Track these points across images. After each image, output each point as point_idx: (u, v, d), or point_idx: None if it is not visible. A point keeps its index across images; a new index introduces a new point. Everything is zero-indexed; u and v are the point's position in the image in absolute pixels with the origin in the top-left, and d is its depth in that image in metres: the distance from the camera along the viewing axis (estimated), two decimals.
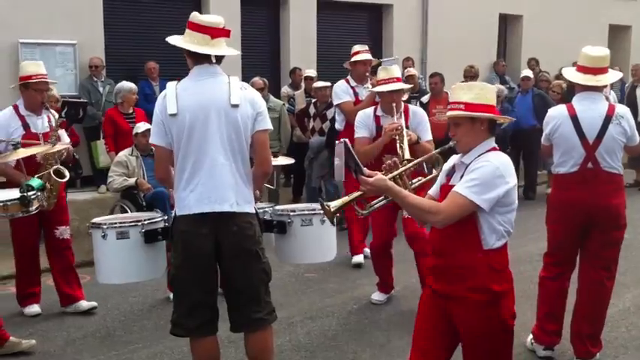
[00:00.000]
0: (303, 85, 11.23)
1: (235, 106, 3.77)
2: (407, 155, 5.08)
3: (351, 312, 5.82)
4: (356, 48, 7.70)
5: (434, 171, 5.50)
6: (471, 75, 10.18)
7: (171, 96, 3.77)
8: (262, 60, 12.25)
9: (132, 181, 7.36)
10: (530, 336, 4.91)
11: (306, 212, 4.47)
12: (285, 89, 11.47)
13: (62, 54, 10.14)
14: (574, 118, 4.55)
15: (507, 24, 16.05)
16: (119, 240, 4.24)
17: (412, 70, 11.16)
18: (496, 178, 3.17)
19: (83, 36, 10.15)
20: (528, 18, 15.74)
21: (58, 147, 5.27)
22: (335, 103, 7.43)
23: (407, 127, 5.39)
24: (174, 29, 12.80)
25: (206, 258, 3.80)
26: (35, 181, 4.65)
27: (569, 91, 5.74)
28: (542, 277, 4.89)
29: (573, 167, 4.59)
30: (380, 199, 3.50)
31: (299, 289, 6.20)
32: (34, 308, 5.74)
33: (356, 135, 5.60)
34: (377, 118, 5.61)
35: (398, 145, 5.19)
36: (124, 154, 7.53)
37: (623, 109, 4.61)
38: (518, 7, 15.60)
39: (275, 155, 5.85)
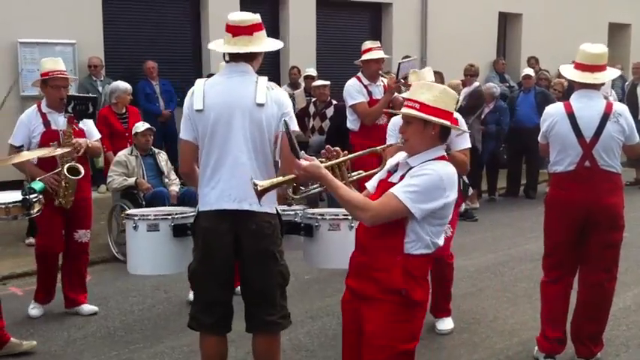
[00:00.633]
0: (302, 84, 11.24)
1: (260, 105, 3.76)
2: None
3: None
4: (367, 44, 7.34)
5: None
6: (470, 73, 10.16)
7: (199, 92, 3.80)
8: (265, 57, 12.23)
9: (131, 180, 7.36)
10: (537, 347, 4.84)
11: (335, 217, 4.37)
12: (285, 88, 11.47)
13: (61, 53, 10.10)
14: (571, 116, 4.50)
15: (507, 22, 16.05)
16: (149, 232, 4.29)
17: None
18: (437, 189, 3.06)
19: (82, 35, 10.16)
20: (528, 16, 15.74)
21: (59, 151, 5.27)
22: (349, 103, 7.08)
23: None
24: (174, 29, 12.87)
25: (224, 254, 3.82)
26: (37, 184, 4.66)
27: (571, 89, 5.74)
28: (542, 282, 4.82)
29: (570, 166, 4.53)
30: (315, 185, 3.33)
31: (299, 289, 6.20)
32: (35, 311, 5.73)
33: (388, 142, 5.28)
34: None
35: None
36: (123, 154, 7.53)
37: (621, 107, 4.56)
38: (517, 5, 15.61)
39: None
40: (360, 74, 7.28)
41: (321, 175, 3.14)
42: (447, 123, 3.14)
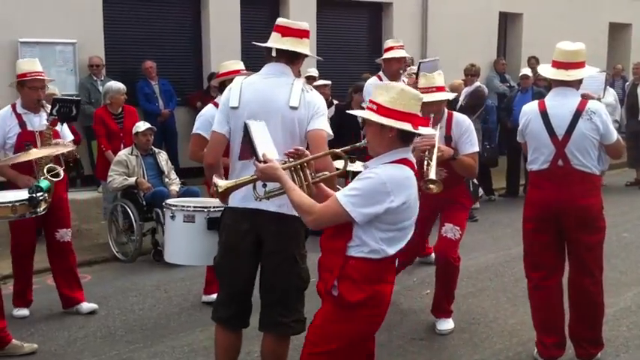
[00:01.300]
0: None
1: (294, 108, 3.78)
2: (432, 175, 4.72)
3: None
4: (389, 43, 7.32)
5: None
6: (471, 73, 10.15)
7: (236, 89, 3.86)
8: (262, 59, 12.23)
9: (132, 180, 7.36)
10: (536, 349, 4.82)
11: None
12: None
13: (62, 53, 10.15)
14: (544, 114, 4.48)
15: (507, 22, 16.04)
16: (185, 223, 4.36)
17: (414, 69, 11.13)
18: (380, 193, 3.00)
19: (83, 35, 10.16)
20: (528, 16, 15.74)
21: (69, 147, 5.29)
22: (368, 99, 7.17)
23: (450, 138, 5.09)
24: (174, 29, 12.86)
25: (244, 253, 3.86)
26: (44, 183, 4.66)
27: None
28: (528, 288, 4.79)
29: (544, 164, 4.50)
30: (280, 187, 3.33)
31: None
32: (22, 312, 5.69)
33: None
34: None
35: (426, 161, 4.78)
36: (123, 154, 7.53)
37: (596, 105, 4.47)
38: (518, 5, 15.60)
39: (352, 160, 5.56)
40: (380, 73, 7.25)
41: (277, 176, 3.21)
42: (399, 125, 3.06)
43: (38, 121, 5.49)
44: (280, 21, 3.98)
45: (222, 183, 3.38)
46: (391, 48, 7.23)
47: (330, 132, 3.88)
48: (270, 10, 12.50)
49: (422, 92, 5.04)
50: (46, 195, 4.63)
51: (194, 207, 4.58)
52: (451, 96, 5.49)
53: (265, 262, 3.88)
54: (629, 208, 10.02)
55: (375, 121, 3.10)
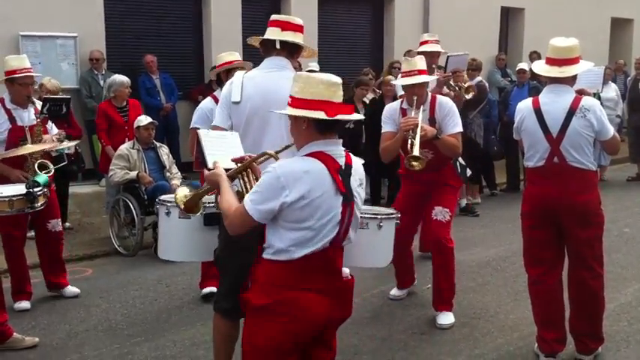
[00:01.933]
0: None
1: None
2: (415, 152, 5.00)
3: (353, 306, 5.81)
4: (424, 37, 7.33)
5: (468, 171, 5.54)
6: (472, 68, 10.12)
7: (237, 84, 3.86)
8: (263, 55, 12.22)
9: (133, 174, 7.36)
10: (536, 344, 4.82)
11: (365, 216, 4.31)
12: None
13: (63, 47, 10.13)
14: (537, 111, 4.46)
15: (509, 17, 16.02)
16: (181, 219, 4.31)
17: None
18: (274, 189, 2.86)
19: (84, 29, 10.14)
20: (530, 11, 15.71)
21: (66, 144, 5.33)
22: (399, 94, 7.05)
23: (434, 120, 5.27)
24: (175, 22, 12.85)
25: (249, 247, 3.83)
26: (41, 178, 4.67)
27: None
28: (528, 284, 4.79)
29: (539, 161, 4.50)
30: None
31: None
32: (23, 304, 5.72)
33: (382, 130, 5.46)
34: (403, 110, 5.42)
35: (409, 141, 5.06)
36: (125, 148, 7.53)
37: (589, 102, 4.44)
38: (519, 0, 15.57)
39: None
40: None
41: (219, 182, 3.14)
42: (308, 114, 2.91)
43: (27, 116, 5.58)
44: (277, 16, 4.00)
45: (180, 194, 3.30)
46: (426, 42, 7.27)
47: None
48: (271, 6, 12.48)
49: (404, 76, 5.33)
50: (45, 190, 4.63)
51: None
52: (431, 78, 5.66)
53: None
54: (630, 203, 10.01)
55: (287, 114, 3.01)
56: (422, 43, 7.30)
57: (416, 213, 5.61)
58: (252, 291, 3.02)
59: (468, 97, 6.67)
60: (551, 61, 4.47)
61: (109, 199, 8.11)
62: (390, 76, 9.46)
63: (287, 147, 3.18)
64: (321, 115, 2.90)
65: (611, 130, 4.51)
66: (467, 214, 9.26)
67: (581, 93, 4.52)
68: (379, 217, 4.33)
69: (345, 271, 3.12)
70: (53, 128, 5.88)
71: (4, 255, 5.80)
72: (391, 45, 13.83)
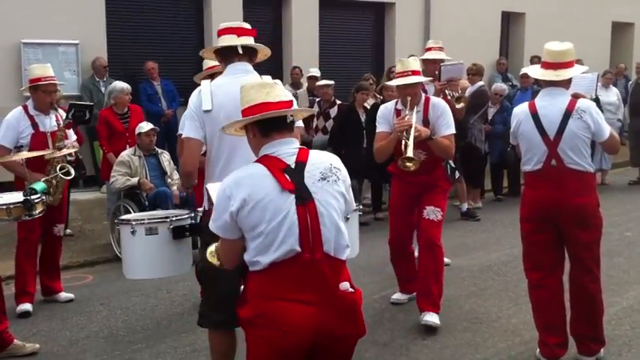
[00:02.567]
0: (305, 84, 11.25)
1: None
2: (409, 153, 5.05)
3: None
4: (429, 43, 7.38)
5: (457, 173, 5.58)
6: (473, 73, 10.13)
7: (206, 92, 3.84)
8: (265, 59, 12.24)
9: (134, 180, 7.37)
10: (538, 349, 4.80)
11: None
12: (287, 88, 11.46)
13: (64, 54, 10.16)
14: (534, 115, 4.48)
15: (510, 21, 16.03)
16: (148, 236, 4.31)
17: None
18: (223, 201, 2.87)
19: (86, 36, 10.17)
20: (531, 15, 15.72)
21: (64, 152, 5.43)
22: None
23: (427, 121, 5.32)
24: (177, 29, 12.87)
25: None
26: (39, 185, 4.66)
27: None
28: (529, 288, 4.79)
29: (537, 165, 4.51)
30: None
31: None
32: (25, 307, 5.76)
33: (377, 130, 5.53)
34: (397, 111, 5.45)
35: (403, 141, 5.14)
36: (126, 154, 7.54)
37: (585, 104, 4.47)
38: (521, 4, 15.58)
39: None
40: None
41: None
42: (245, 121, 2.98)
43: (49, 123, 5.80)
44: (227, 24, 4.05)
45: (210, 252, 3.23)
46: (429, 49, 7.27)
47: (302, 123, 3.99)
48: (272, 11, 12.51)
49: (397, 76, 5.37)
50: (43, 197, 4.63)
51: (157, 219, 4.47)
52: (425, 79, 5.71)
53: None
54: (632, 206, 10.00)
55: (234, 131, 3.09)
56: (426, 50, 7.31)
57: (408, 214, 5.63)
58: (240, 304, 2.99)
59: (459, 106, 6.64)
60: (546, 65, 4.51)
61: (110, 205, 8.12)
62: (390, 82, 9.45)
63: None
64: (255, 118, 2.93)
65: (608, 131, 4.52)
66: (468, 219, 9.26)
67: (576, 97, 4.55)
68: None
69: (344, 284, 2.94)
70: (71, 134, 6.07)
71: (15, 257, 5.85)
72: (392, 50, 13.84)
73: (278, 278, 2.84)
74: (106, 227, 8.12)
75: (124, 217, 4.65)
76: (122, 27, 10.91)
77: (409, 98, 5.28)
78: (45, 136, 5.71)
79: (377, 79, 10.83)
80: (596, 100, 6.46)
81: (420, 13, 14.11)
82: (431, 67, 7.02)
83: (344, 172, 3.04)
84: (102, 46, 10.41)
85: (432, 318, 5.27)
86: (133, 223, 4.38)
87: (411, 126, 5.12)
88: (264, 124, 2.95)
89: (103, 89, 9.79)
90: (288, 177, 2.87)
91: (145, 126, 7.59)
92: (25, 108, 5.80)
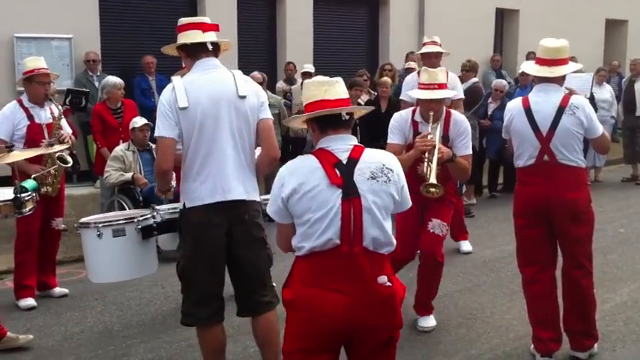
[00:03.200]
0: (299, 80, 11.23)
1: (243, 97, 3.87)
2: (433, 179, 4.61)
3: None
4: (425, 39, 7.38)
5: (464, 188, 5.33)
6: (467, 69, 10.13)
7: (180, 89, 3.81)
8: (258, 54, 12.23)
9: (128, 176, 7.35)
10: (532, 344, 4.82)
11: None
12: (280, 84, 11.46)
13: (58, 48, 10.12)
14: (527, 110, 4.50)
15: (504, 18, 16.05)
16: (115, 238, 4.25)
17: (412, 64, 11.13)
18: (277, 187, 3.05)
19: (79, 30, 10.13)
20: (525, 12, 15.75)
21: (56, 148, 5.39)
22: (401, 97, 7.22)
23: (447, 138, 4.92)
24: (171, 24, 12.77)
25: (220, 248, 3.89)
26: (29, 183, 4.61)
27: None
28: (523, 283, 4.81)
29: (529, 160, 4.53)
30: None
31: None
32: (29, 301, 5.76)
33: (388, 139, 5.06)
34: (415, 123, 5.01)
35: (426, 163, 4.68)
36: (120, 149, 7.52)
37: (579, 100, 4.49)
38: (514, 1, 15.62)
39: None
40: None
41: None
42: (306, 116, 3.14)
43: (44, 115, 5.83)
44: (189, 19, 4.08)
45: None
46: (425, 44, 7.28)
47: (271, 116, 4.04)
48: (267, 6, 12.49)
49: (421, 88, 4.94)
50: (34, 195, 4.60)
51: (122, 220, 4.41)
52: (452, 94, 5.30)
53: (239, 250, 3.93)
54: (625, 203, 10.04)
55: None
56: (424, 45, 7.32)
57: (416, 224, 5.18)
58: (284, 286, 3.11)
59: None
60: (541, 61, 4.52)
61: (103, 200, 8.09)
62: (385, 79, 9.45)
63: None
64: (316, 114, 3.06)
65: (600, 129, 4.55)
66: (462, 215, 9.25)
67: (570, 93, 4.57)
68: None
69: (382, 278, 3.01)
70: (66, 126, 6.07)
71: (14, 252, 5.86)
72: (386, 46, 13.86)
73: (317, 267, 2.99)
74: None
75: (84, 220, 4.52)
76: (116, 21, 10.87)
77: (432, 113, 4.81)
78: (41, 128, 5.72)
79: (371, 75, 10.83)
80: (591, 98, 6.50)
81: (414, 10, 14.13)
82: (428, 62, 6.95)
83: (397, 173, 3.10)
84: (95, 40, 10.38)
85: (425, 323, 5.29)
86: (100, 225, 4.29)
87: (434, 147, 4.66)
88: (321, 121, 3.08)
89: (96, 84, 9.75)
90: (338, 172, 2.98)
91: (139, 121, 7.57)
92: (20, 101, 5.80)
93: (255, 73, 9.15)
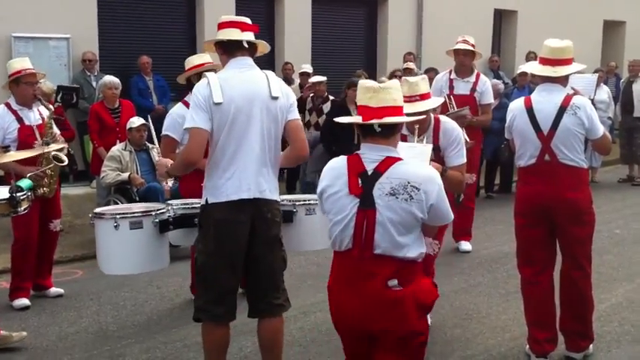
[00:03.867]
0: (297, 79, 11.23)
1: (275, 98, 3.89)
2: None
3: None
4: (458, 38, 7.40)
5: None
6: None
7: (215, 85, 3.81)
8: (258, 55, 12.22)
9: (125, 176, 7.34)
10: (527, 345, 4.82)
11: (310, 202, 4.59)
12: None
13: (55, 48, 10.11)
14: (529, 110, 4.51)
15: (502, 19, 16.06)
16: (133, 230, 4.24)
17: (411, 65, 11.15)
18: (319, 180, 3.27)
19: (77, 30, 10.12)
20: (523, 13, 15.76)
21: (53, 147, 5.38)
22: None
23: (437, 148, 4.59)
24: (168, 24, 12.83)
25: (243, 245, 3.89)
26: (25, 182, 4.60)
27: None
28: (521, 284, 4.81)
29: (530, 160, 4.53)
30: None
31: (293, 284, 6.16)
32: (23, 301, 5.75)
33: None
34: (402, 137, 4.54)
35: None
36: (117, 149, 7.51)
37: (580, 100, 4.49)
38: (513, 2, 15.63)
39: None
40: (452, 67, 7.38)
41: None
42: (354, 119, 3.23)
43: (33, 116, 5.75)
44: (230, 17, 4.08)
45: None
46: (458, 41, 7.32)
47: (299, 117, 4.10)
48: (265, 6, 12.49)
49: (404, 101, 4.39)
50: (29, 194, 4.58)
51: (140, 212, 4.39)
52: (437, 103, 4.76)
53: (259, 249, 3.92)
54: (621, 204, 10.05)
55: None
56: (456, 42, 7.37)
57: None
58: (330, 274, 3.25)
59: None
60: (544, 61, 4.52)
61: (100, 200, 8.08)
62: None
63: None
64: (357, 119, 3.13)
65: (601, 130, 4.54)
66: None
67: (575, 93, 4.57)
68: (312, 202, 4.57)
69: (392, 281, 3.04)
70: (54, 128, 5.98)
71: (11, 253, 5.84)
72: (384, 46, 13.86)
73: (340, 266, 3.19)
74: None
75: (98, 210, 4.50)
76: (114, 21, 10.86)
77: (417, 126, 4.45)
78: (32, 129, 5.65)
79: (369, 75, 10.83)
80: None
81: (413, 10, 14.13)
82: (457, 59, 7.17)
83: (424, 191, 3.02)
84: (93, 40, 10.37)
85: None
86: (118, 217, 4.29)
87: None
88: (361, 127, 3.14)
89: (94, 83, 9.75)
90: (360, 182, 3.07)
91: (136, 121, 7.57)
92: (8, 105, 5.72)
93: None
